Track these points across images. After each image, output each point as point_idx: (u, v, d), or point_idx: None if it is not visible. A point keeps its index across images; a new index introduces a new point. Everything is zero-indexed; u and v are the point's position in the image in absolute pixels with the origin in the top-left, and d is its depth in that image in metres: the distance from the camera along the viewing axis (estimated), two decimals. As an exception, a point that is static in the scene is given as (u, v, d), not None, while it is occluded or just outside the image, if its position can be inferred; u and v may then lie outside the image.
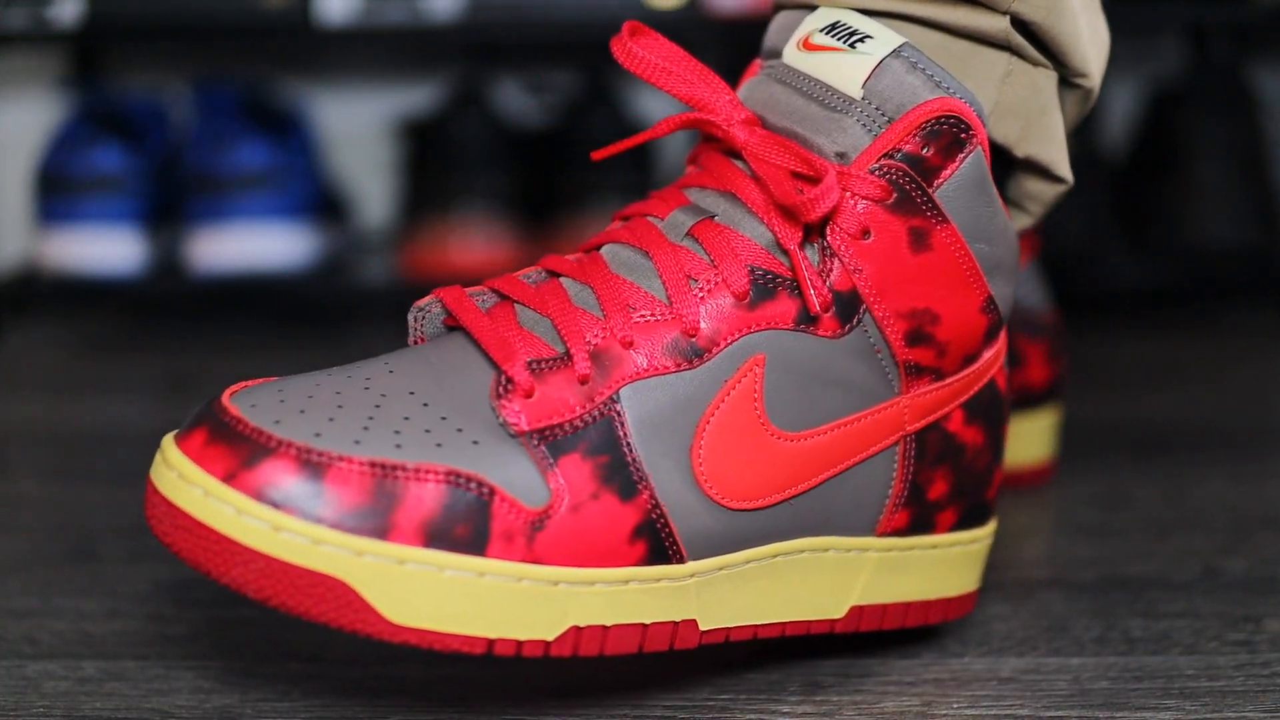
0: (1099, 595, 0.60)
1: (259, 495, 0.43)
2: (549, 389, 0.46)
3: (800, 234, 0.49)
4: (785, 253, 0.49)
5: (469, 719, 0.49)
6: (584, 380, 0.47)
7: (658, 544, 0.47)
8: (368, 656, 0.53)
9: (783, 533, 0.49)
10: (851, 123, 0.50)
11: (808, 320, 0.49)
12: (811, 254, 0.49)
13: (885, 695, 0.50)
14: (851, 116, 0.50)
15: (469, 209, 1.22)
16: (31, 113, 1.39)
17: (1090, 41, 0.53)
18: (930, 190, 0.49)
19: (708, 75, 0.51)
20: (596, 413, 0.46)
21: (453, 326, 0.50)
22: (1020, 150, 0.53)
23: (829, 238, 0.49)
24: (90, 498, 0.77)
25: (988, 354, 0.52)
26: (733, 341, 0.48)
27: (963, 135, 0.50)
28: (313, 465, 0.43)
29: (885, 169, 0.49)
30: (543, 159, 1.26)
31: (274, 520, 0.43)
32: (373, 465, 0.44)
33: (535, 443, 0.46)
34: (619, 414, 0.47)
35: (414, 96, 1.37)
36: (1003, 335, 0.53)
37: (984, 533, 0.54)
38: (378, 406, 0.45)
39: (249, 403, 0.45)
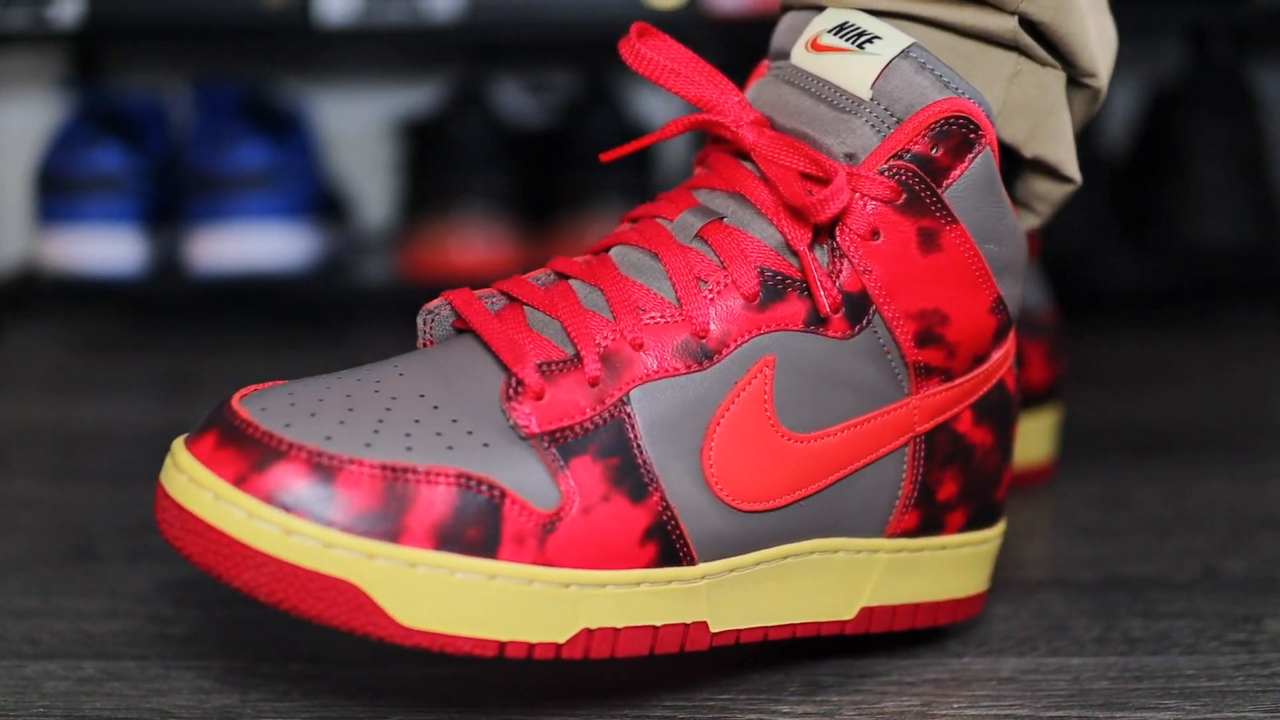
0: (1099, 595, 0.60)
1: (270, 499, 0.43)
2: (559, 391, 0.46)
3: (810, 235, 0.49)
4: (795, 254, 0.49)
5: (469, 719, 0.49)
6: (594, 382, 0.47)
7: (669, 546, 0.47)
8: (368, 656, 0.53)
9: (793, 534, 0.49)
10: (860, 123, 0.50)
11: (817, 321, 0.49)
12: (821, 255, 0.49)
13: (885, 695, 0.50)
14: (860, 117, 0.50)
15: (469, 209, 1.22)
16: (31, 113, 1.39)
17: (1098, 41, 0.53)
18: (939, 191, 0.49)
19: (716, 77, 0.51)
20: (607, 415, 0.46)
21: (462, 329, 0.50)
22: (1028, 150, 0.53)
23: (838, 239, 0.49)
24: (90, 498, 0.77)
25: (997, 354, 0.52)
26: (743, 343, 0.48)
27: (972, 135, 0.50)
28: (324, 468, 0.43)
29: (894, 170, 0.49)
30: (543, 159, 1.26)
31: (285, 524, 0.43)
32: (384, 468, 0.44)
33: (546, 445, 0.46)
34: (629, 416, 0.47)
35: (414, 96, 1.37)
36: (1011, 336, 0.53)
37: (993, 533, 0.54)
38: (388, 409, 0.45)
39: (259, 406, 0.45)
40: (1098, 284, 1.20)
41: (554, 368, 0.47)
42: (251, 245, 1.19)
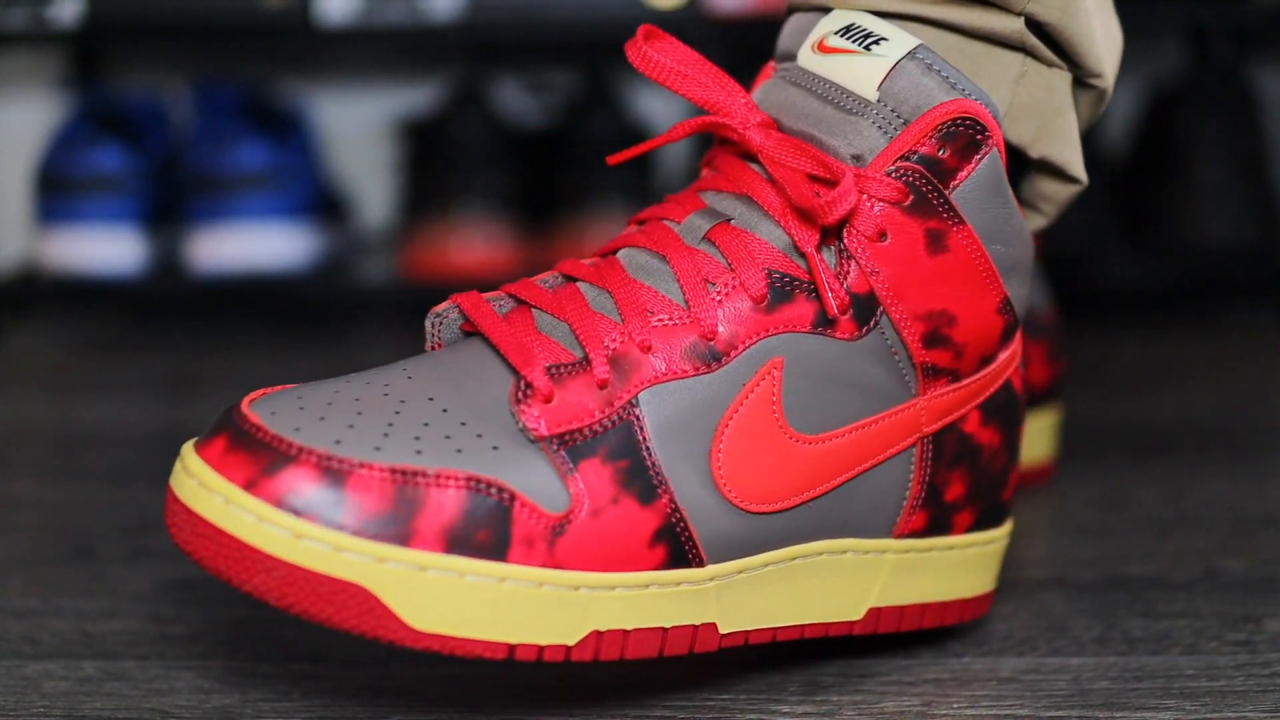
0: (1099, 595, 0.60)
1: (280, 503, 0.43)
2: (568, 394, 0.46)
3: (817, 237, 0.49)
4: (802, 255, 0.49)
5: (469, 719, 0.49)
6: (603, 385, 0.47)
7: (677, 548, 0.47)
8: (368, 656, 0.53)
9: (801, 535, 0.49)
10: (867, 125, 0.50)
11: (825, 323, 0.49)
12: (828, 256, 0.49)
13: (885, 695, 0.50)
14: (867, 119, 0.50)
15: (469, 209, 1.22)
16: (31, 113, 1.39)
17: (1104, 42, 0.54)
18: (946, 192, 0.49)
19: (722, 78, 0.51)
20: (616, 417, 0.47)
21: (470, 332, 0.50)
22: (1035, 151, 0.53)
23: (846, 240, 0.49)
24: (90, 498, 0.77)
25: (1003, 355, 0.52)
26: (750, 345, 0.48)
27: (978, 137, 0.50)
28: (333, 472, 0.43)
29: (901, 171, 0.49)
30: (543, 159, 1.26)
31: (295, 528, 0.43)
32: (393, 472, 0.44)
33: (555, 448, 0.46)
34: (638, 418, 0.47)
35: (414, 96, 1.37)
36: (1018, 336, 0.53)
37: (1000, 533, 0.54)
38: (397, 413, 0.45)
39: (269, 410, 0.45)
40: (1098, 284, 1.20)
41: (562, 370, 0.47)
42: (251, 245, 1.19)
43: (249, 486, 0.43)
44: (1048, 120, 0.53)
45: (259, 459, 0.44)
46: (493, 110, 1.26)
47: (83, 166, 1.18)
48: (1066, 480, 0.77)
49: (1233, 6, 1.17)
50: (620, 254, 0.50)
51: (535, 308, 0.49)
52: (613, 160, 0.52)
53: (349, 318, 1.30)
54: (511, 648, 0.45)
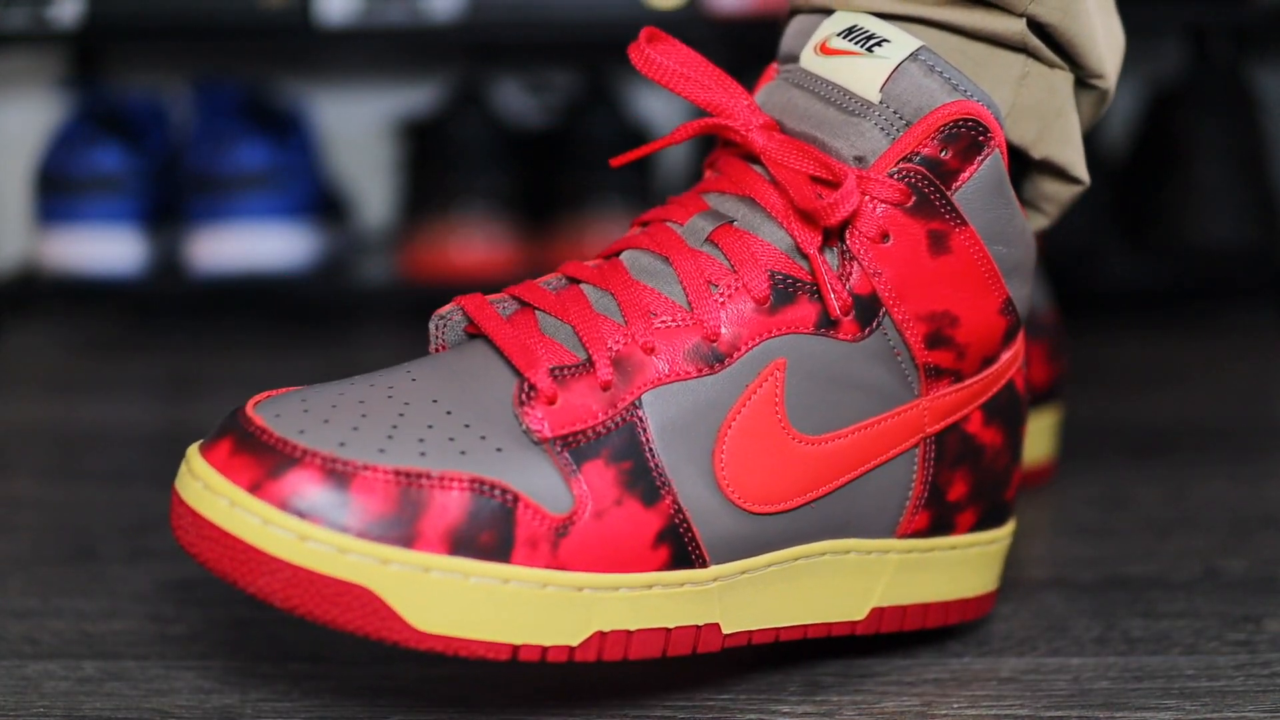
0: (1099, 595, 0.60)
1: (285, 505, 0.43)
2: (571, 395, 0.46)
3: (820, 238, 0.49)
4: (805, 257, 0.49)
5: (469, 719, 0.49)
6: (606, 386, 0.47)
7: (681, 548, 0.47)
8: (368, 656, 0.53)
9: (804, 535, 0.50)
10: (869, 126, 0.50)
11: (828, 324, 0.49)
12: (831, 258, 0.49)
13: (885, 695, 0.50)
14: (869, 120, 0.50)
15: (469, 209, 1.22)
16: (31, 113, 1.39)
17: (1105, 42, 0.54)
18: (949, 193, 0.49)
19: (725, 80, 0.51)
20: (619, 419, 0.47)
21: (474, 334, 0.50)
22: (1037, 152, 0.53)
23: (848, 241, 0.49)
24: (90, 498, 0.77)
25: (1006, 355, 0.52)
26: (753, 346, 0.48)
27: (981, 138, 0.50)
28: (338, 474, 0.43)
29: (904, 172, 0.49)
30: (543, 159, 1.26)
31: (300, 530, 0.43)
32: (397, 474, 0.44)
33: (558, 449, 0.46)
34: (641, 420, 0.47)
35: (414, 96, 1.37)
36: (1020, 336, 0.53)
37: (1003, 533, 0.54)
38: (401, 415, 0.45)
39: (273, 412, 0.45)
40: (1098, 284, 1.20)
41: (566, 372, 0.47)
42: (251, 245, 1.19)
43: (254, 489, 0.43)
44: (1049, 121, 0.53)
45: (264, 462, 0.44)
46: (493, 110, 1.26)
47: (83, 166, 1.18)
48: (1066, 480, 0.77)
49: (1233, 6, 1.17)
50: (623, 256, 0.50)
51: (539, 310, 0.49)
52: (615, 162, 0.52)
53: (349, 318, 1.30)
54: (515, 648, 0.45)
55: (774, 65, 0.55)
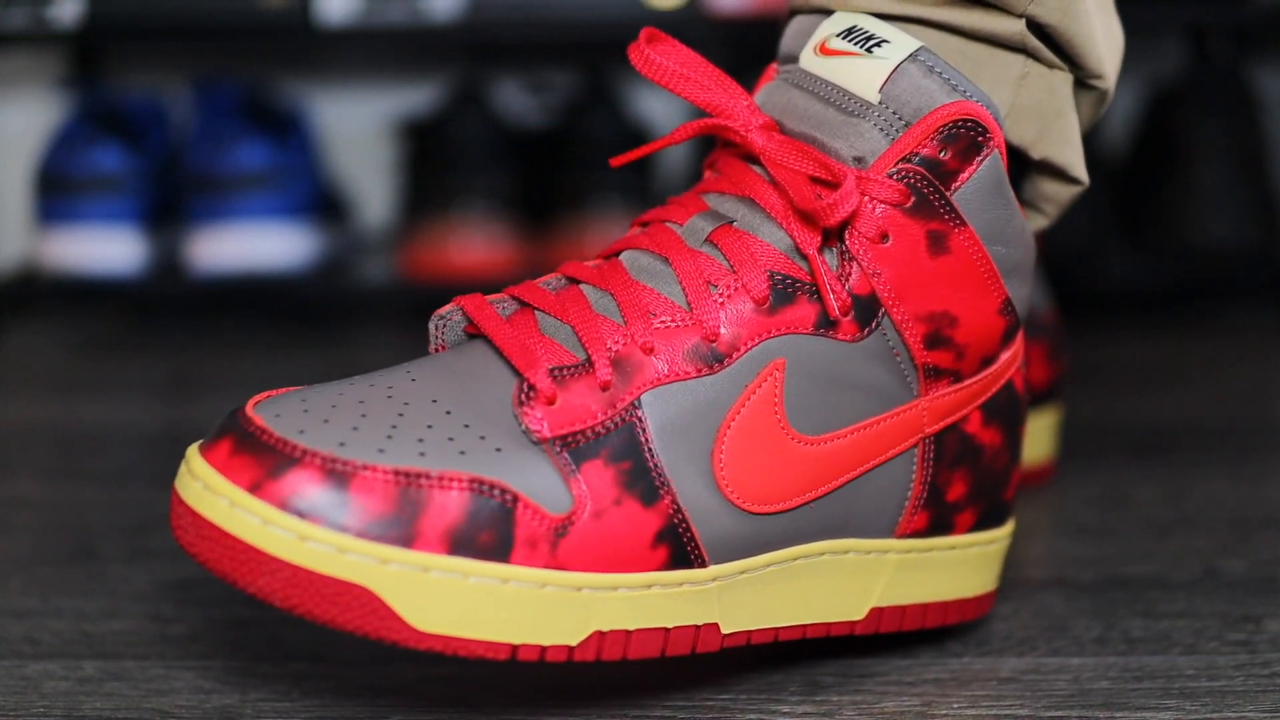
0: (1099, 595, 0.60)
1: (284, 505, 0.43)
2: (571, 396, 0.46)
3: (819, 239, 0.49)
4: (804, 257, 0.49)
5: (469, 719, 0.49)
6: (605, 387, 0.47)
7: (680, 548, 0.47)
8: (368, 656, 0.53)
9: (803, 536, 0.50)
10: (869, 127, 0.50)
11: (827, 324, 0.49)
12: (830, 258, 0.49)
13: (885, 695, 0.50)
14: (869, 121, 0.50)
15: (469, 209, 1.22)
16: (31, 113, 1.39)
17: (1105, 43, 0.54)
18: (948, 193, 0.49)
19: (725, 81, 0.51)
20: (618, 419, 0.47)
21: (474, 334, 0.50)
22: (1036, 152, 0.53)
23: (848, 242, 0.49)
24: (90, 498, 0.77)
25: (1005, 355, 0.52)
26: (753, 346, 0.48)
27: (980, 138, 0.50)
28: (337, 474, 0.43)
29: (903, 173, 0.49)
30: (543, 159, 1.26)
31: (300, 530, 0.43)
32: (397, 474, 0.44)
33: (558, 449, 0.46)
34: (640, 420, 0.47)
35: (414, 96, 1.37)
36: (1020, 337, 0.53)
37: (1002, 533, 0.55)
38: (401, 415, 0.45)
39: (273, 413, 0.45)
40: (1098, 284, 1.20)
41: (565, 372, 0.47)
42: (251, 245, 1.19)
43: (254, 489, 0.43)
44: (1049, 121, 0.53)
45: (264, 462, 0.44)
46: (493, 110, 1.26)
47: (83, 166, 1.18)
48: (1066, 480, 0.77)
49: (1233, 6, 1.17)
50: (623, 256, 0.50)
51: (538, 310, 0.49)
52: (615, 162, 0.52)
53: (349, 318, 1.30)
54: (514, 648, 0.45)
55: (773, 66, 0.55)
